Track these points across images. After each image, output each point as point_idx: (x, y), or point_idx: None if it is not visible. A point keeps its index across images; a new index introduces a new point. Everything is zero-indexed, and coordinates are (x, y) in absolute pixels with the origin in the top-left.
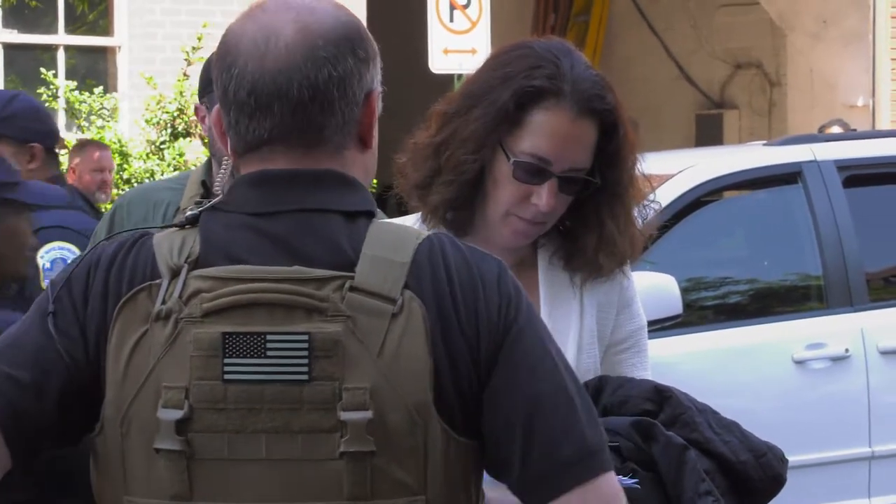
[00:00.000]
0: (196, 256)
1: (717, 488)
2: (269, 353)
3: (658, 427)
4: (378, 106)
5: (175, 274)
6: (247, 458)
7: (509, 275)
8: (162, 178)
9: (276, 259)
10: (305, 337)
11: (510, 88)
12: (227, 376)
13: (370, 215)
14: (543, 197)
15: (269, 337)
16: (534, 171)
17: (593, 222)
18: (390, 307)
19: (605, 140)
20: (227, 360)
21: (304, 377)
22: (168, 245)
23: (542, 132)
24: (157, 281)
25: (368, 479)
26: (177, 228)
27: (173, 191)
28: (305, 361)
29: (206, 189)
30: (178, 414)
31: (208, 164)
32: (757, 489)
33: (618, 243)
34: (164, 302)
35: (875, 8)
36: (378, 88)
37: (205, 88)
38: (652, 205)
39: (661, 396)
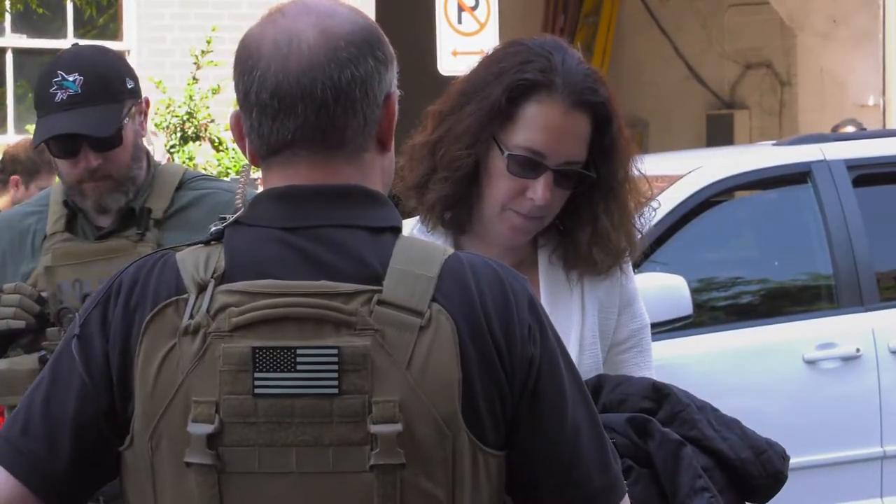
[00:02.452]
0: (222, 271)
1: (716, 485)
2: (298, 367)
3: (654, 423)
4: (396, 108)
5: (202, 289)
6: (277, 471)
7: (536, 296)
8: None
9: (303, 273)
10: (335, 351)
11: (502, 83)
12: (257, 390)
13: (396, 230)
14: (539, 191)
15: (298, 351)
16: (528, 165)
17: (587, 217)
18: (418, 320)
19: (599, 134)
20: (257, 375)
21: (334, 391)
22: (193, 261)
23: (535, 125)
24: (184, 296)
25: (398, 491)
26: (201, 245)
27: (37, 215)
28: (335, 375)
29: (70, 209)
30: (208, 428)
31: None
32: (757, 486)
33: (612, 238)
34: (191, 316)
35: (885, 7)
36: (396, 91)
37: (35, 109)
38: (652, 204)
39: (660, 394)
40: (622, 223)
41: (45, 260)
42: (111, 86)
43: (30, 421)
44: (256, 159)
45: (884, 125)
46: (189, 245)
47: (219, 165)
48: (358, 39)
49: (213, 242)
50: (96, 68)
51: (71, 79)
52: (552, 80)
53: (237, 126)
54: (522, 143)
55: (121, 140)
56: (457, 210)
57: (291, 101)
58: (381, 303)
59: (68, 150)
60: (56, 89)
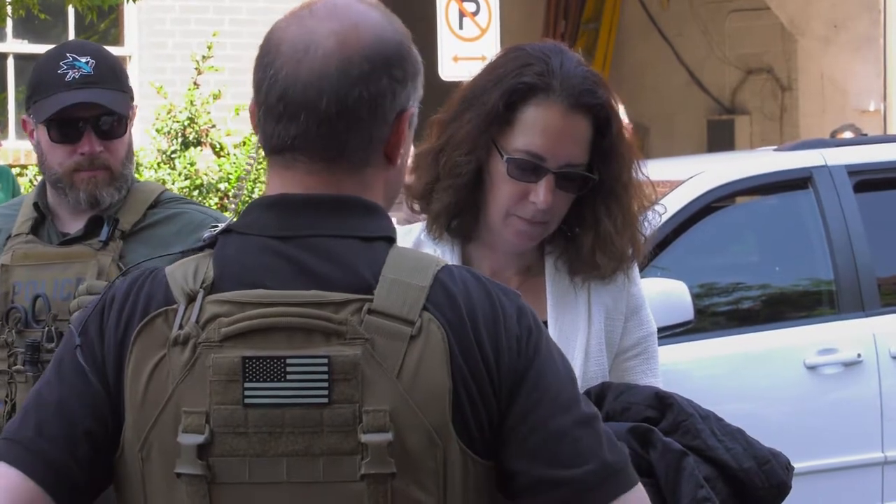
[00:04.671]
0: (211, 281)
1: (718, 495)
2: (288, 376)
3: (655, 433)
4: (413, 122)
5: (191, 299)
6: (268, 481)
7: (528, 308)
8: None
9: (294, 282)
10: (325, 360)
11: (500, 88)
12: (247, 400)
13: (390, 241)
14: (541, 194)
15: (288, 361)
16: (528, 168)
17: (590, 221)
18: (409, 329)
19: (600, 136)
20: (247, 385)
21: (325, 400)
22: (182, 272)
23: (533, 128)
24: (174, 306)
25: (389, 500)
26: (192, 254)
27: (5, 217)
28: (325, 385)
29: (40, 212)
30: (199, 438)
31: (42, 187)
32: (760, 497)
33: (615, 242)
34: (181, 327)
35: (886, 12)
36: (413, 107)
37: (30, 97)
38: (657, 208)
39: (663, 403)
40: (626, 227)
41: (3, 259)
42: (121, 75)
43: (43, 423)
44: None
45: (884, 130)
46: (182, 257)
47: (220, 171)
48: (375, 55)
49: (205, 250)
50: (107, 56)
51: (83, 60)
52: (549, 84)
53: (254, 113)
54: (522, 147)
55: (125, 130)
56: (462, 218)
57: (295, 108)
58: (371, 312)
59: (70, 135)
60: (67, 69)
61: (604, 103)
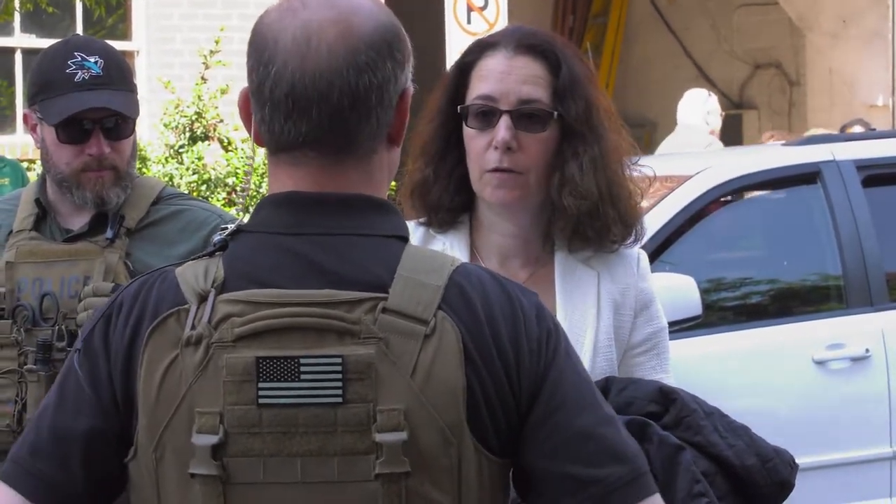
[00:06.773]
0: (222, 280)
1: (718, 491)
2: (302, 376)
3: (652, 427)
4: (409, 104)
5: (202, 299)
6: (282, 481)
7: (546, 308)
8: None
9: (306, 280)
10: (339, 360)
11: (456, 63)
12: (261, 400)
13: (403, 239)
14: (499, 133)
15: (302, 360)
16: (484, 112)
17: (557, 164)
18: (423, 328)
19: (555, 78)
20: (261, 385)
21: (339, 400)
22: (192, 273)
23: (483, 75)
24: (186, 306)
25: (403, 499)
26: (204, 257)
27: (4, 213)
28: (339, 384)
29: (41, 207)
30: (213, 439)
31: (42, 182)
32: (763, 494)
33: (578, 181)
34: (193, 327)
35: (894, 7)
36: (410, 87)
37: (36, 94)
38: (643, 169)
39: (667, 398)
40: (592, 167)
41: (7, 255)
42: (128, 74)
43: (38, 442)
44: (262, 142)
45: (893, 125)
46: (191, 259)
47: (228, 165)
48: (378, 41)
49: (217, 254)
50: (113, 54)
51: (92, 60)
52: (497, 40)
53: (245, 105)
54: (475, 94)
55: (131, 130)
56: (459, 197)
57: (306, 103)
58: (385, 311)
59: (78, 136)
60: (76, 69)
61: (549, 42)
